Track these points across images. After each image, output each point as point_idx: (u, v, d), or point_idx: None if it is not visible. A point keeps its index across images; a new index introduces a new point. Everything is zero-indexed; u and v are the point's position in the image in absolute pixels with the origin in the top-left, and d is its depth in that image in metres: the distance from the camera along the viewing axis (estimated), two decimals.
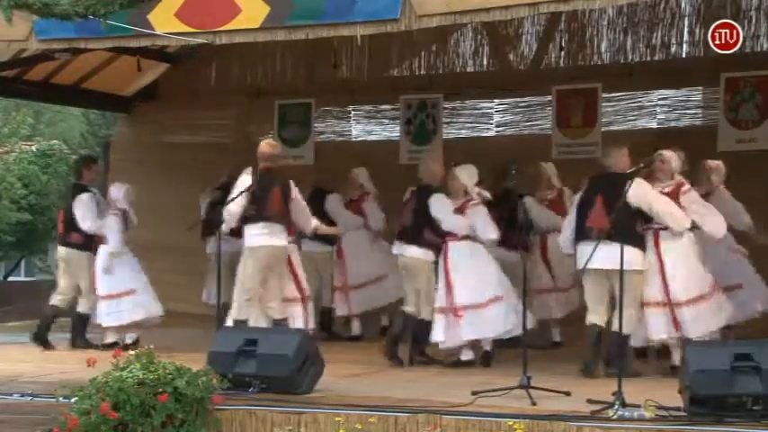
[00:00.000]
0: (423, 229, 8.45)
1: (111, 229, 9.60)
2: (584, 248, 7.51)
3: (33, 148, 20.78)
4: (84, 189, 9.89)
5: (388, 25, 7.14)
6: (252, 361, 6.81)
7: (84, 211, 9.69)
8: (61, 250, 9.95)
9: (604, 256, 7.12)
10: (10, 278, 22.94)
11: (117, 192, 9.75)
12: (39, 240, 19.77)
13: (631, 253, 7.22)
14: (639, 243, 7.64)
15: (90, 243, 9.74)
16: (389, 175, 10.75)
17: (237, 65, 12.76)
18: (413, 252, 8.51)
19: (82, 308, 9.87)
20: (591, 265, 7.18)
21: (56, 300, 9.88)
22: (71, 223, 9.75)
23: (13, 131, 20.56)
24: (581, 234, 7.75)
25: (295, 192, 8.50)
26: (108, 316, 9.56)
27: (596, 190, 7.78)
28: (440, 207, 8.43)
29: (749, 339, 7.00)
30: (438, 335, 8.33)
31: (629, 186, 7.07)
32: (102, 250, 9.62)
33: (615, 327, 7.42)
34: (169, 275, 11.06)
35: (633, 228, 7.59)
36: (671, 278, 7.71)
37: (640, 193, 7.51)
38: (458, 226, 8.37)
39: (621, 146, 8.06)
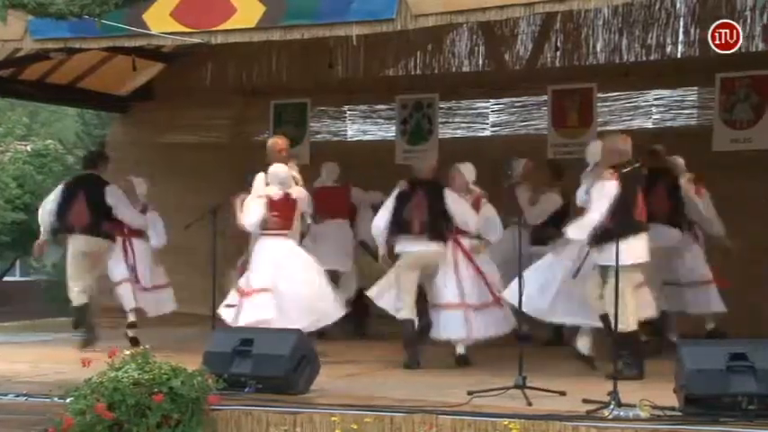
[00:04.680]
0: (440, 223, 8.45)
1: (158, 225, 9.96)
2: (636, 242, 7.53)
3: (28, 147, 20.80)
4: (105, 181, 9.79)
5: (383, 25, 7.14)
6: (247, 361, 6.80)
7: (126, 206, 9.77)
8: (89, 240, 9.57)
9: (645, 248, 7.47)
10: (5, 278, 22.93)
11: (142, 187, 10.04)
12: (34, 240, 19.73)
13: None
14: None
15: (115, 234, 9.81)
16: (385, 175, 10.74)
17: (233, 65, 12.76)
18: (434, 247, 8.46)
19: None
20: (644, 259, 7.54)
21: (84, 298, 9.54)
22: (102, 213, 9.60)
23: (8, 131, 20.58)
24: (629, 228, 7.42)
25: None
26: (154, 305, 9.85)
27: (635, 184, 7.67)
28: (457, 203, 8.48)
29: (745, 339, 7.01)
30: (458, 331, 8.34)
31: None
32: (142, 244, 9.84)
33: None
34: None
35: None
36: None
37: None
38: (473, 222, 8.49)
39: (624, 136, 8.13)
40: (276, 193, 8.48)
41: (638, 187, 7.72)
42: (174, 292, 10.28)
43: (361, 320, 10.53)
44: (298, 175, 8.80)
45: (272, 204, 8.45)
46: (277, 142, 9.00)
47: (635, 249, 7.46)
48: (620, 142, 7.87)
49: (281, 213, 8.46)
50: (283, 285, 8.18)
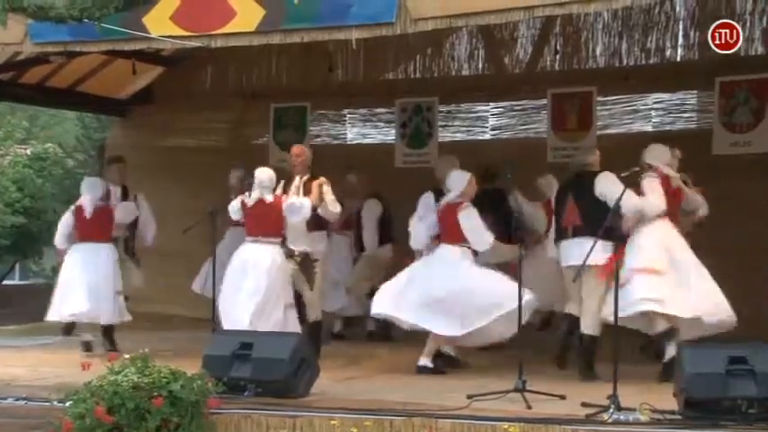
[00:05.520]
0: None
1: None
2: (562, 246, 7.91)
3: (28, 151, 20.75)
4: None
5: (383, 29, 7.15)
6: (247, 365, 6.80)
7: None
8: None
9: (579, 252, 7.29)
10: (5, 281, 22.90)
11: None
12: (33, 243, 19.74)
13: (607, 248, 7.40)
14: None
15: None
16: (385, 178, 10.75)
17: (233, 68, 12.76)
18: None
19: None
20: (573, 262, 7.52)
21: None
22: None
23: (7, 135, 20.54)
24: (558, 234, 8.03)
25: None
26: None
27: (567, 190, 8.06)
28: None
29: (743, 342, 7.01)
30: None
31: (597, 180, 7.58)
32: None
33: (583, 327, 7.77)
34: (164, 279, 11.04)
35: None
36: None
37: (606, 182, 7.62)
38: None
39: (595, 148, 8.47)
40: (253, 198, 8.28)
41: (569, 192, 7.97)
42: (173, 296, 10.26)
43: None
44: (318, 190, 8.34)
45: (244, 209, 8.34)
46: (293, 149, 8.81)
47: (562, 254, 7.91)
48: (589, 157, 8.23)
49: (254, 219, 8.26)
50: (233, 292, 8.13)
